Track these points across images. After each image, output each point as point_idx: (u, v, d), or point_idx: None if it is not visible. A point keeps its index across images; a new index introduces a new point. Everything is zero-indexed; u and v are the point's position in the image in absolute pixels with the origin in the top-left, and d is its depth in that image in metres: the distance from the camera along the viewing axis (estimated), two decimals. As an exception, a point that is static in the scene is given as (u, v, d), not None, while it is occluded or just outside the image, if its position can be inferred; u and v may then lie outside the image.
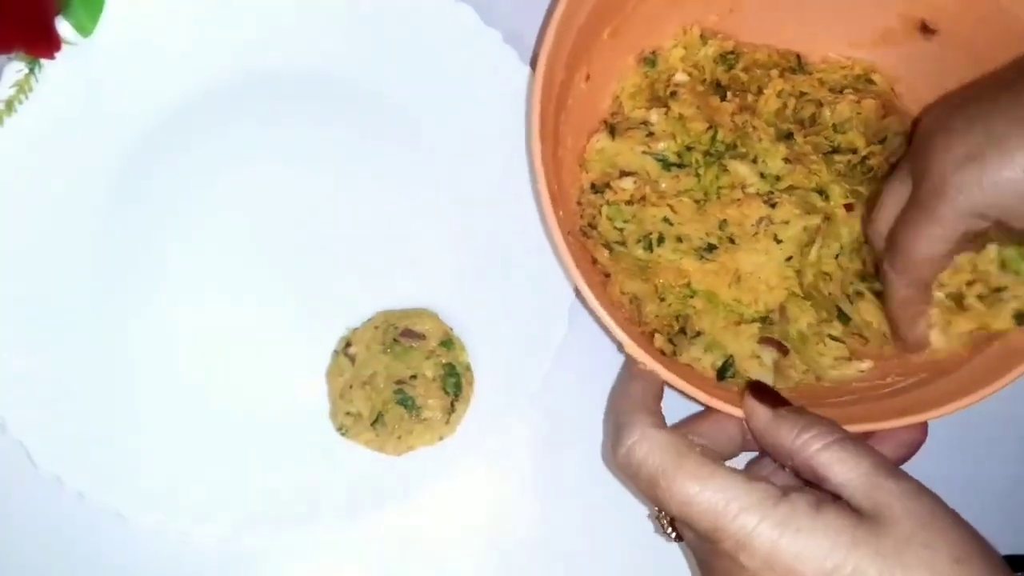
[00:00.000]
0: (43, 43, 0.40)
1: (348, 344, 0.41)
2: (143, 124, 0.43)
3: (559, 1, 0.35)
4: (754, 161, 0.41)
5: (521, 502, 0.42)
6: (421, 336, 0.40)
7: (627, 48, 0.42)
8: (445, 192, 0.43)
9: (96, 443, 0.38)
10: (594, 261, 0.40)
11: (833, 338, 0.39)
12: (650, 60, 0.43)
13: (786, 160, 0.41)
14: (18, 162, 0.41)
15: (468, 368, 0.40)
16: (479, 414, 0.40)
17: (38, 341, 0.40)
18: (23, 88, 0.41)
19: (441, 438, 0.39)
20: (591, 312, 0.34)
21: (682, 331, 0.39)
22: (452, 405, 0.39)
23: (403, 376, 0.40)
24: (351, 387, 0.40)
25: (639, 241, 0.40)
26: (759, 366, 0.38)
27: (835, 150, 0.42)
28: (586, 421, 0.42)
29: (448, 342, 0.40)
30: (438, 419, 0.39)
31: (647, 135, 0.41)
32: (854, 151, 0.42)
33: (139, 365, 0.41)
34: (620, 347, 0.34)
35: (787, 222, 0.40)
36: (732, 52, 0.44)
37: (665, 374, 0.33)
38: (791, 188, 0.41)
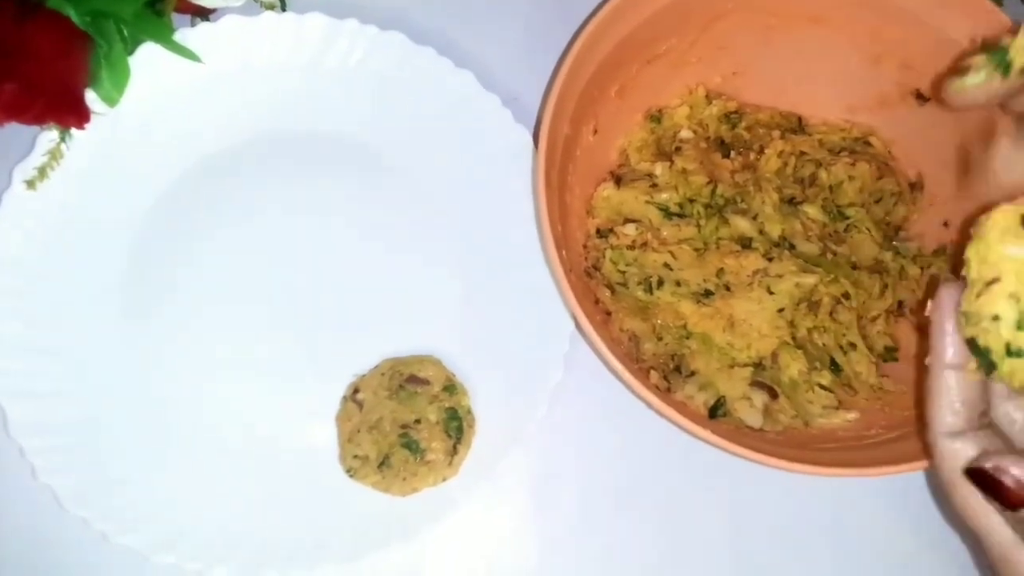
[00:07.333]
0: (74, 115, 0.42)
1: (356, 390, 0.41)
2: (163, 182, 0.44)
3: (563, 63, 0.37)
4: (754, 218, 0.42)
5: (520, 540, 0.42)
6: (425, 382, 0.41)
7: (634, 106, 0.44)
8: (448, 244, 0.45)
9: (119, 486, 0.39)
10: (596, 301, 0.41)
11: (822, 387, 0.40)
12: (656, 117, 0.45)
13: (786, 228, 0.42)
14: (49, 220, 0.42)
15: (469, 412, 0.41)
16: (480, 456, 0.41)
17: (65, 390, 0.41)
18: (55, 156, 0.43)
19: (444, 479, 0.40)
20: (592, 346, 0.35)
21: (677, 369, 0.40)
22: (454, 448, 0.40)
23: (408, 420, 0.41)
24: (359, 431, 0.41)
25: (640, 283, 0.41)
26: (749, 407, 0.38)
27: (838, 213, 0.43)
28: (583, 460, 0.43)
29: (451, 387, 0.41)
30: (441, 461, 0.40)
31: (651, 186, 0.43)
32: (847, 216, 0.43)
33: (159, 411, 0.41)
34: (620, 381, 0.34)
35: (781, 276, 0.41)
36: (735, 112, 0.45)
37: (661, 406, 0.33)
38: (791, 247, 0.42)
